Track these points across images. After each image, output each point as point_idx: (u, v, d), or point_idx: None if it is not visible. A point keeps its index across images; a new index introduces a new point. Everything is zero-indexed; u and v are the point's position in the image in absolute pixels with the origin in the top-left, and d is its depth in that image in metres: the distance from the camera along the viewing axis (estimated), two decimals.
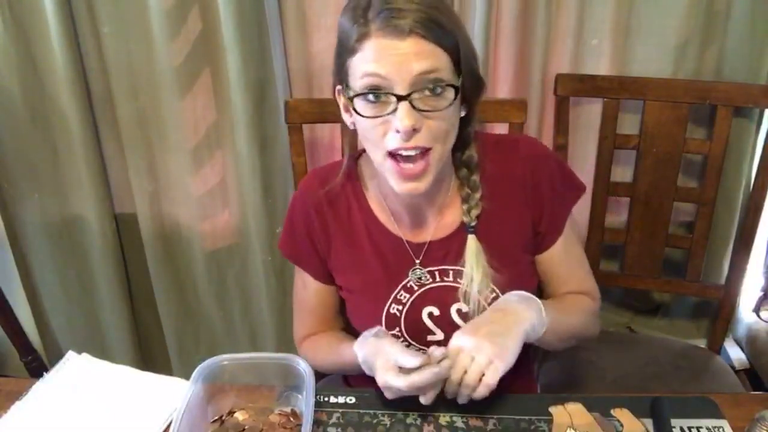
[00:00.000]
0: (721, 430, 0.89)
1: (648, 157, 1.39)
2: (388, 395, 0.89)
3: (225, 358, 0.93)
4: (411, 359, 0.85)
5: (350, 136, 0.97)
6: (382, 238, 1.01)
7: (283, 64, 1.43)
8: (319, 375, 1.22)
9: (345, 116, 0.93)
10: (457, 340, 0.87)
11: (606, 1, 1.37)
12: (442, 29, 0.82)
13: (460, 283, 1.00)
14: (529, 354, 1.15)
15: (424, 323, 1.01)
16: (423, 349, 1.02)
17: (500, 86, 1.45)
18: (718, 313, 1.47)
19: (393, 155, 0.87)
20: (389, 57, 0.81)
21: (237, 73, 1.38)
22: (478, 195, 0.97)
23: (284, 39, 1.41)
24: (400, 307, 1.01)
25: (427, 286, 1.01)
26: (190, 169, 1.51)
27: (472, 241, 0.97)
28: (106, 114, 1.48)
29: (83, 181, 1.51)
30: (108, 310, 1.67)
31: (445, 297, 1.00)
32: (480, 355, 0.84)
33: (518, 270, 1.01)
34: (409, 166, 0.87)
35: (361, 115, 0.85)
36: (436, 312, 1.01)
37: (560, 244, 1.05)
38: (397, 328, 1.01)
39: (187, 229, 1.59)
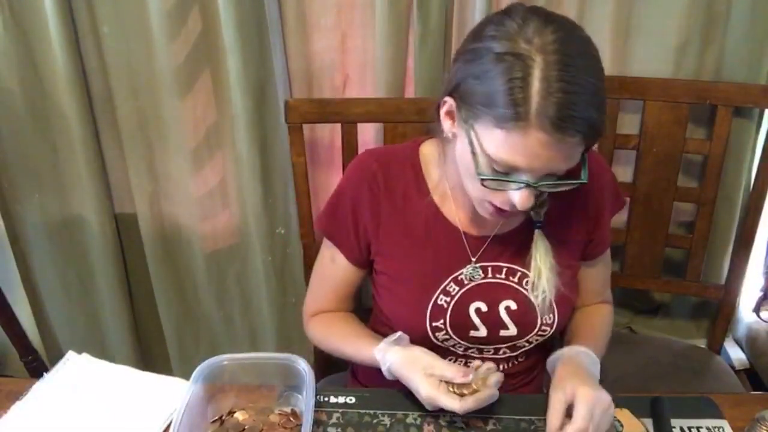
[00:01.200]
0: (721, 430, 0.89)
1: (648, 157, 1.39)
2: (430, 408, 0.89)
3: (225, 358, 0.93)
4: (459, 374, 0.86)
5: (436, 128, 0.93)
6: (439, 227, 1.00)
7: (283, 64, 1.43)
8: (320, 375, 1.23)
9: (445, 123, 0.89)
10: (589, 395, 0.85)
11: (606, 1, 1.37)
12: (600, 129, 0.79)
13: (512, 281, 0.99)
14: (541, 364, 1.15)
15: (470, 318, 1.00)
16: (459, 344, 1.02)
17: None
18: (718, 313, 1.47)
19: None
20: (539, 157, 0.78)
21: (237, 74, 1.38)
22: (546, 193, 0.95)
23: (284, 39, 1.41)
24: (448, 299, 0.99)
25: (478, 281, 1.00)
26: (190, 169, 1.51)
27: (540, 236, 0.95)
28: (106, 114, 1.48)
29: (83, 181, 1.51)
30: (108, 310, 1.67)
31: (495, 293, 1.00)
32: (608, 409, 0.85)
33: (571, 274, 1.01)
34: (505, 215, 0.88)
35: (483, 184, 0.83)
36: (484, 308, 0.99)
37: (605, 255, 1.09)
38: (442, 320, 1.00)
39: (187, 229, 1.59)
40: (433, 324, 0.99)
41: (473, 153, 0.82)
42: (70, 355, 1.07)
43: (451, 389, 0.87)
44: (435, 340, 1.01)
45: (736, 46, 1.39)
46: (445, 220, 1.00)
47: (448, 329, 1.00)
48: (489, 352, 1.03)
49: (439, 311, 0.99)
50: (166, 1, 1.33)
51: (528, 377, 1.10)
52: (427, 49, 1.36)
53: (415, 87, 1.42)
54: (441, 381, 0.88)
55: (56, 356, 1.35)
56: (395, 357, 0.93)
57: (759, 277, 1.65)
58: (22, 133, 1.48)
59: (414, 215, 1.00)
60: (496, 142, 0.79)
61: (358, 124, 1.33)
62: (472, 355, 1.04)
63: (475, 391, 0.87)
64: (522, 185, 0.81)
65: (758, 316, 1.69)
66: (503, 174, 0.82)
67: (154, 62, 1.40)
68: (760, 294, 1.66)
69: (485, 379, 0.89)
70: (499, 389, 0.89)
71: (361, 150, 1.35)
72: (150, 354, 1.79)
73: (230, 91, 1.41)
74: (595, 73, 0.78)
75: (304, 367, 0.91)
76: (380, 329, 1.06)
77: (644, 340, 1.60)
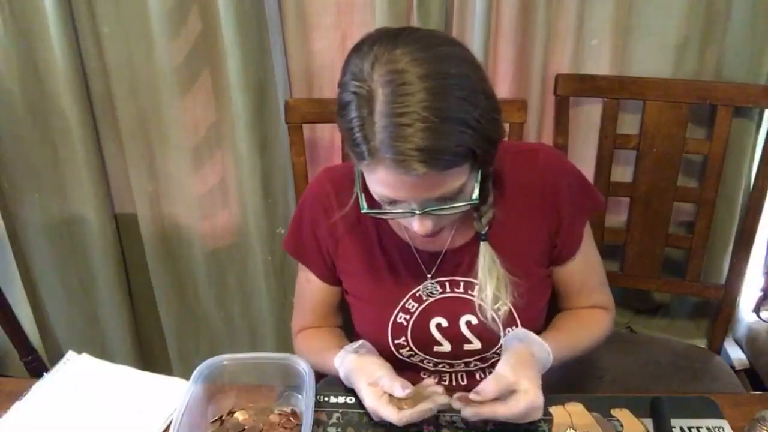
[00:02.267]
0: (721, 430, 0.89)
1: (648, 157, 1.39)
2: (374, 418, 0.89)
3: (225, 358, 0.93)
4: (400, 388, 0.85)
5: None
6: (392, 245, 0.99)
7: (283, 64, 1.43)
8: (319, 375, 1.23)
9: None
10: (533, 395, 0.84)
11: (606, 1, 1.37)
12: (453, 155, 0.75)
13: (470, 295, 0.98)
14: None
15: (432, 334, 0.99)
16: (427, 359, 1.02)
17: (500, 86, 1.45)
18: (718, 313, 1.47)
19: None
20: (400, 186, 0.78)
21: (237, 73, 1.38)
22: (488, 202, 0.94)
23: (284, 39, 1.41)
24: (408, 317, 0.99)
25: (437, 297, 0.99)
26: (190, 169, 1.51)
27: (484, 248, 0.94)
28: (106, 114, 1.48)
29: (83, 181, 1.51)
30: (108, 310, 1.67)
31: (454, 308, 0.99)
32: (535, 414, 0.84)
33: (532, 282, 0.98)
34: (427, 237, 0.87)
35: (375, 211, 0.84)
36: (444, 323, 0.99)
37: (578, 257, 1.04)
38: (404, 338, 1.00)
39: (187, 229, 1.59)
40: (395, 341, 0.99)
41: (358, 186, 0.85)
42: (70, 355, 1.07)
43: (393, 401, 0.86)
44: (401, 357, 1.01)
45: (736, 46, 1.39)
46: (397, 238, 0.99)
47: (412, 346, 1.00)
48: (459, 365, 1.03)
49: (399, 329, 0.99)
50: (166, 1, 1.33)
51: None
52: None
53: None
54: (384, 392, 0.87)
55: (56, 356, 1.35)
56: (348, 365, 0.93)
57: (759, 277, 1.65)
58: (22, 133, 1.48)
59: (369, 235, 1.00)
60: (367, 172, 0.81)
61: None
62: (444, 369, 1.03)
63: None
64: (408, 214, 0.82)
65: (758, 316, 1.69)
66: (387, 203, 0.82)
67: (154, 62, 1.40)
68: (760, 294, 1.66)
69: (429, 393, 0.88)
70: None
71: None
72: (150, 354, 1.79)
73: (230, 91, 1.41)
74: (454, 93, 0.74)
75: (304, 367, 0.91)
76: None
77: (644, 340, 1.60)
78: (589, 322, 1.07)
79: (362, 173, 0.84)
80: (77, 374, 1.03)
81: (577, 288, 1.07)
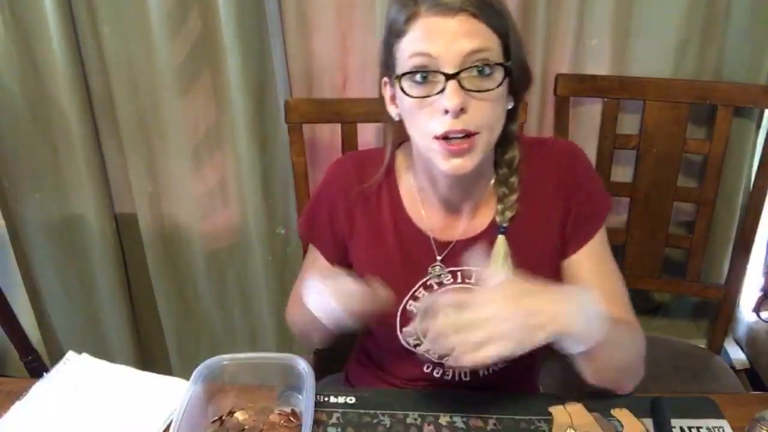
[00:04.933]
0: (721, 430, 0.89)
1: (648, 157, 1.39)
2: (307, 296, 0.89)
3: (225, 358, 0.93)
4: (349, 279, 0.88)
5: (392, 129, 0.96)
6: (408, 233, 0.99)
7: (283, 64, 1.43)
8: (319, 375, 1.23)
9: (390, 108, 0.92)
10: (487, 295, 0.80)
11: (606, 1, 1.37)
12: (492, 9, 0.82)
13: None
14: (536, 360, 1.13)
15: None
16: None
17: None
18: (718, 313, 1.47)
19: (440, 138, 0.84)
20: (438, 35, 0.81)
21: (237, 73, 1.38)
22: (514, 197, 0.94)
23: (284, 39, 1.41)
24: (418, 305, 0.98)
25: (448, 287, 0.98)
26: (190, 169, 1.51)
27: (501, 241, 0.93)
28: (106, 114, 1.49)
29: (83, 181, 1.51)
30: (108, 310, 1.68)
31: None
32: (493, 327, 0.77)
33: (545, 279, 0.95)
34: (456, 144, 0.84)
35: (408, 95, 0.84)
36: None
37: (586, 254, 0.97)
38: (412, 326, 0.98)
39: (187, 229, 1.59)
40: (404, 329, 0.98)
41: (397, 78, 0.85)
42: (70, 355, 1.07)
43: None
44: (407, 345, 1.00)
45: (736, 46, 1.39)
46: (413, 226, 0.99)
47: (419, 334, 0.98)
48: None
49: (409, 317, 0.98)
50: (166, 1, 1.33)
51: (520, 375, 1.07)
52: None
53: None
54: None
55: (56, 356, 1.35)
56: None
57: (759, 277, 1.65)
58: (23, 133, 1.48)
59: (385, 221, 1.00)
60: (404, 48, 0.84)
61: (358, 124, 1.33)
62: (448, 362, 1.02)
63: None
64: (441, 79, 0.81)
65: (758, 316, 1.69)
66: (420, 79, 0.83)
67: (155, 62, 1.40)
68: (760, 294, 1.66)
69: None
70: (494, 388, 0.87)
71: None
72: (150, 354, 1.79)
73: (230, 91, 1.42)
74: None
75: (304, 367, 0.91)
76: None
77: None
78: (629, 325, 0.98)
79: (391, 83, 0.88)
80: (77, 374, 1.03)
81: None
